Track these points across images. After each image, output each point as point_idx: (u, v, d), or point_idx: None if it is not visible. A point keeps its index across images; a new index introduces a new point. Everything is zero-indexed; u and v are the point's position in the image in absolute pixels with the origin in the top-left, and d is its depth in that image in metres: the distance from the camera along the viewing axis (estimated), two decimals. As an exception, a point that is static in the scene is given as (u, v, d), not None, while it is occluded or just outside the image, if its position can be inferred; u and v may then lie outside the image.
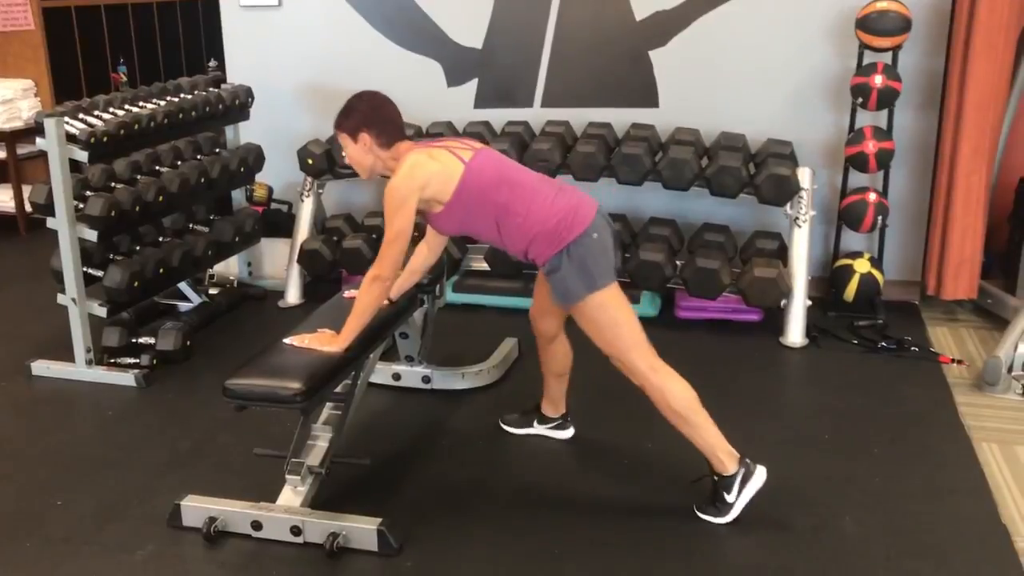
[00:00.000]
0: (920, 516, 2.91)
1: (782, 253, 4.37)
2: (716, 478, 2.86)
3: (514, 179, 2.85)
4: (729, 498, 2.83)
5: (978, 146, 4.23)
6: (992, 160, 4.34)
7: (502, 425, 3.46)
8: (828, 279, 4.61)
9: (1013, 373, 3.79)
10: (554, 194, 2.83)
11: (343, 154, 2.96)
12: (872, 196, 4.36)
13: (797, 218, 4.29)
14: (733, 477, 2.83)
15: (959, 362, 3.99)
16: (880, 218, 4.38)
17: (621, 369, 2.88)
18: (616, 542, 2.81)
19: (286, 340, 2.88)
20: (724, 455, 2.83)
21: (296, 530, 2.77)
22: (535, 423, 3.42)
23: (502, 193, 2.80)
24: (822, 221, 4.65)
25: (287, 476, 2.86)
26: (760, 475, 2.85)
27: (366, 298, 2.82)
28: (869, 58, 4.35)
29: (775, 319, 4.33)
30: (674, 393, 2.81)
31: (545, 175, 3.00)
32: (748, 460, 2.86)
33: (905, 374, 3.91)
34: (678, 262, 4.38)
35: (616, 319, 2.83)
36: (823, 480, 3.12)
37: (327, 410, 3.10)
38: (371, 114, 2.83)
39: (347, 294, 3.26)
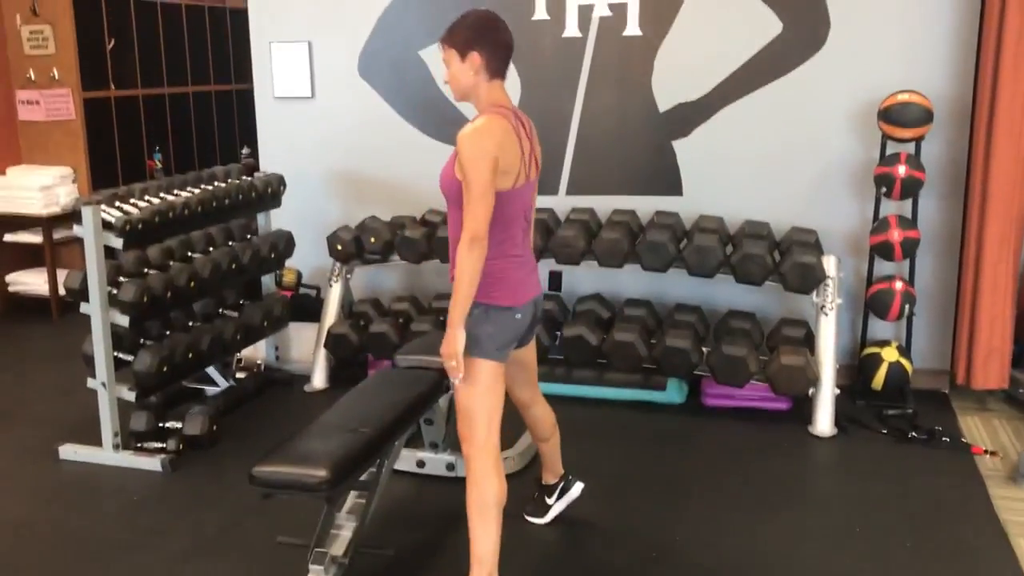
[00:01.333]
0: (957, 614, 2.84)
1: (809, 341, 4.36)
2: None
3: (519, 224, 2.79)
4: None
5: (1004, 235, 4.23)
6: (1019, 248, 4.34)
7: (528, 519, 3.43)
8: (856, 367, 4.58)
9: (1048, 465, 3.72)
10: (520, 262, 2.81)
11: (444, 77, 2.79)
12: (899, 284, 4.36)
13: (823, 306, 4.29)
14: None
15: (992, 453, 3.92)
16: (907, 306, 4.37)
17: (460, 434, 2.80)
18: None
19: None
20: (491, 572, 2.75)
21: (319, 621, 2.74)
22: (547, 499, 3.40)
23: (507, 228, 2.73)
24: (849, 309, 4.64)
25: (311, 566, 2.84)
26: None
27: (470, 263, 2.59)
28: (892, 148, 4.39)
29: (803, 407, 4.29)
30: (486, 484, 2.74)
31: (530, 237, 2.93)
32: None
33: (937, 465, 3.84)
34: (704, 349, 4.37)
35: (484, 387, 2.75)
36: (853, 573, 3.05)
37: (352, 498, 3.10)
38: (487, 35, 2.70)
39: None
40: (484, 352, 2.74)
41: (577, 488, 3.42)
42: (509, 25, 2.80)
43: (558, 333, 4.52)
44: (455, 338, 2.65)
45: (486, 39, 2.71)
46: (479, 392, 2.76)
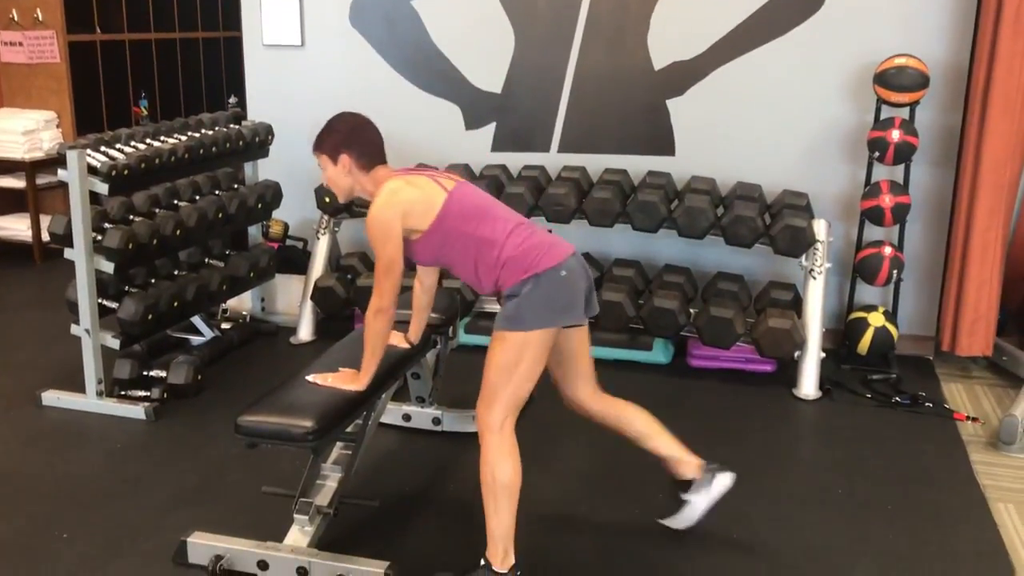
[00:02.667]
0: (935, 576, 2.87)
1: (796, 304, 4.36)
2: (483, 562, 2.69)
3: (494, 213, 2.77)
4: None
5: (995, 203, 4.23)
6: (1009, 217, 4.34)
7: (665, 524, 3.05)
8: (842, 331, 4.59)
9: (1029, 432, 3.75)
10: (530, 231, 2.75)
11: (323, 180, 2.89)
12: (888, 250, 4.36)
13: (812, 270, 4.29)
14: (492, 572, 2.66)
15: (974, 420, 3.95)
16: (895, 272, 4.37)
17: (477, 410, 2.70)
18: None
19: (308, 377, 2.86)
20: (505, 551, 2.67)
21: (302, 571, 2.74)
22: (684, 495, 3.00)
23: (483, 226, 2.71)
24: (837, 273, 4.64)
25: (295, 515, 2.83)
26: None
27: (374, 331, 2.76)
28: (886, 112, 4.37)
29: (788, 370, 4.31)
30: (503, 466, 2.64)
31: (524, 217, 2.87)
32: (519, 574, 2.69)
33: (919, 430, 3.87)
34: (692, 310, 4.37)
35: (523, 367, 2.65)
36: (836, 537, 3.08)
37: (337, 450, 3.09)
38: (351, 135, 2.79)
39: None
40: (532, 323, 2.64)
41: (725, 479, 2.98)
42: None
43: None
44: (355, 383, 2.80)
45: (353, 141, 2.79)
46: (519, 371, 2.65)
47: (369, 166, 2.80)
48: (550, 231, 2.88)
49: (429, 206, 2.71)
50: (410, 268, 2.84)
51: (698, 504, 2.97)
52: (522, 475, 2.67)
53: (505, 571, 2.67)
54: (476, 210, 2.75)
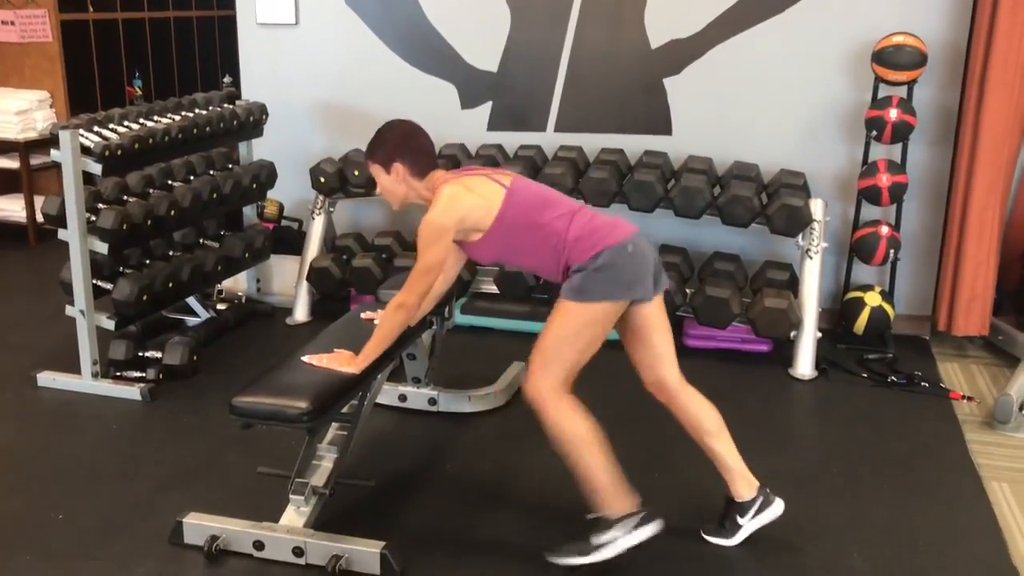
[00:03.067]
0: (929, 555, 2.88)
1: (793, 284, 4.36)
2: (591, 517, 2.70)
3: (555, 200, 2.78)
4: (600, 539, 2.68)
5: (992, 182, 4.22)
6: (1006, 197, 4.33)
7: (707, 538, 2.93)
8: (838, 311, 4.59)
9: (1024, 411, 3.76)
10: (594, 213, 2.76)
11: (376, 189, 2.87)
12: (884, 229, 4.35)
13: (808, 249, 4.28)
14: (611, 523, 2.67)
15: (969, 399, 3.96)
16: (892, 251, 4.37)
17: (527, 379, 2.71)
18: (622, 569, 2.77)
19: (304, 358, 2.86)
20: (614, 498, 2.67)
21: (298, 551, 2.75)
22: (738, 518, 2.89)
23: (545, 213, 2.71)
24: (833, 253, 4.63)
25: (291, 496, 2.84)
26: (650, 529, 2.69)
27: (390, 323, 2.80)
28: (884, 91, 4.35)
29: (784, 350, 4.31)
30: (571, 424, 2.65)
31: (583, 203, 2.90)
32: (645, 514, 2.70)
33: (915, 409, 3.88)
34: (688, 290, 4.37)
35: (584, 339, 2.67)
36: (832, 515, 3.09)
37: (333, 430, 3.09)
38: (403, 144, 2.78)
39: (365, 315, 3.23)
40: (597, 293, 2.64)
41: (778, 506, 2.89)
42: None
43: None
44: (351, 366, 2.81)
45: (405, 149, 2.77)
46: (576, 343, 2.66)
47: (423, 173, 2.79)
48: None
49: (489, 206, 2.70)
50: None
51: (749, 528, 2.88)
52: (594, 425, 2.67)
53: (622, 515, 2.67)
54: (537, 200, 2.76)
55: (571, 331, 2.68)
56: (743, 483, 2.88)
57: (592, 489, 2.69)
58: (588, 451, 2.65)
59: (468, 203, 2.69)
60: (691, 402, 2.88)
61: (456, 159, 4.68)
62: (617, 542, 2.68)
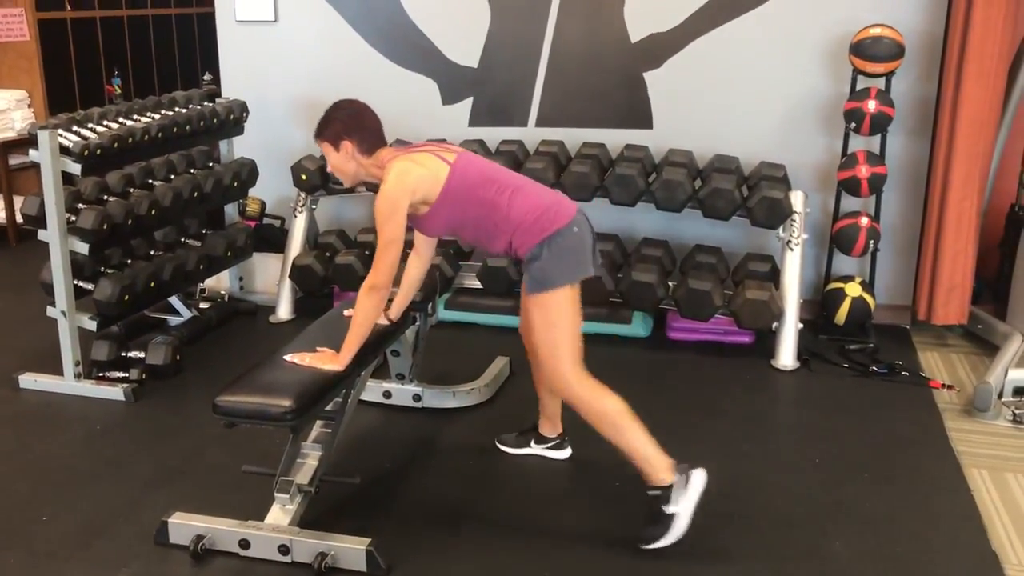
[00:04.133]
0: (911, 542, 2.91)
1: (774, 276, 4.38)
2: (653, 491, 2.80)
3: (498, 177, 2.90)
4: (670, 509, 2.77)
5: (970, 172, 4.26)
6: (984, 186, 4.37)
7: (498, 444, 3.45)
8: (819, 302, 4.62)
9: (1003, 399, 3.80)
10: (537, 191, 2.91)
11: (328, 167, 3.00)
12: (864, 220, 4.38)
13: (789, 241, 4.30)
14: (670, 488, 2.78)
15: (950, 387, 3.99)
16: (872, 242, 4.40)
17: (551, 378, 2.93)
18: (607, 565, 2.79)
19: (286, 357, 2.86)
20: (659, 466, 2.79)
21: (284, 549, 2.75)
22: (532, 443, 3.40)
23: (488, 189, 2.84)
24: (814, 244, 4.67)
25: (276, 494, 2.84)
26: (699, 478, 2.80)
27: (364, 309, 2.83)
28: (863, 83, 4.37)
29: (766, 342, 4.34)
30: (602, 403, 2.82)
31: (528, 179, 3.01)
32: (685, 466, 2.81)
33: (896, 398, 3.91)
34: (670, 283, 4.39)
35: (567, 320, 2.85)
36: (814, 504, 3.12)
37: (317, 428, 3.09)
38: (351, 122, 2.87)
39: (347, 312, 3.23)
40: (568, 277, 2.83)
41: (563, 454, 3.40)
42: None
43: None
44: (334, 363, 2.83)
45: (354, 127, 2.86)
46: (563, 324, 2.84)
47: (371, 150, 2.89)
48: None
49: (435, 180, 2.82)
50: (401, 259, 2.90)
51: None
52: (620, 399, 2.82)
53: (674, 477, 2.77)
54: (480, 176, 2.87)
55: (552, 319, 2.85)
56: (551, 426, 3.39)
57: (642, 460, 2.80)
58: (628, 424, 2.79)
59: (416, 175, 2.80)
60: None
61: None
62: (683, 504, 2.78)
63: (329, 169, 2.96)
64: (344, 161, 2.88)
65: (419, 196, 2.81)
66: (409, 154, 2.87)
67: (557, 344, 2.85)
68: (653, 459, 2.79)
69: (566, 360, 2.84)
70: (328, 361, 2.84)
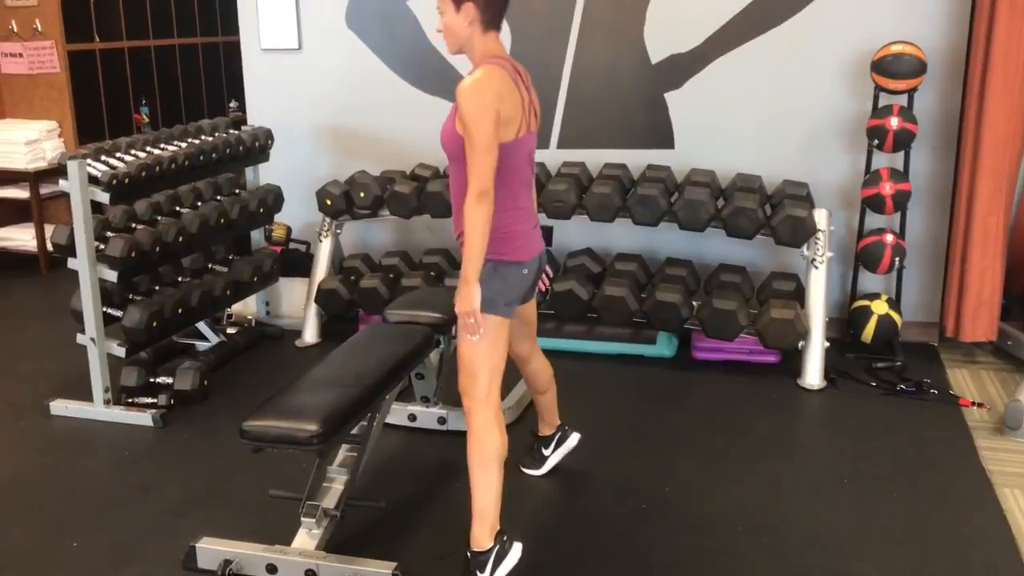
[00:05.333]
0: (941, 563, 2.87)
1: (799, 294, 4.36)
2: (470, 553, 2.72)
3: (527, 179, 2.83)
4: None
5: (995, 188, 4.22)
6: (1010, 201, 4.33)
7: (524, 471, 3.44)
8: (846, 320, 4.59)
9: (1034, 417, 3.75)
10: (525, 216, 2.82)
11: (437, 25, 2.74)
12: (889, 237, 4.36)
13: (814, 259, 4.28)
14: (488, 553, 2.70)
15: (979, 405, 3.95)
16: (897, 259, 4.37)
17: (460, 390, 2.81)
18: (637, 560, 2.78)
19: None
20: (487, 527, 2.71)
21: (311, 573, 2.76)
22: (543, 450, 3.43)
23: (511, 180, 2.70)
24: (839, 262, 4.64)
25: (302, 518, 2.85)
26: (515, 553, 2.75)
27: (476, 217, 2.56)
28: (885, 100, 4.36)
29: (792, 361, 4.31)
30: (488, 434, 2.73)
31: (533, 204, 2.94)
32: (506, 537, 2.75)
33: (925, 417, 3.87)
34: (695, 303, 4.38)
35: (490, 343, 2.74)
36: (843, 524, 3.09)
37: (343, 452, 3.11)
38: None
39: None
40: (491, 308, 2.70)
41: (574, 439, 3.44)
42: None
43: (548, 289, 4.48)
44: (471, 295, 2.60)
45: None
46: (484, 347, 2.74)
47: (488, 26, 2.70)
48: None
49: (510, 125, 2.64)
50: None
51: (553, 457, 3.43)
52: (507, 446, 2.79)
53: (492, 544, 2.71)
54: (522, 161, 2.76)
55: (479, 341, 2.72)
56: (548, 425, 3.42)
57: (479, 512, 2.72)
58: (497, 471, 2.73)
59: (509, 94, 2.64)
60: (538, 367, 3.30)
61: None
62: (496, 574, 2.71)
63: (438, 28, 2.73)
64: (460, 23, 2.67)
65: (503, 116, 2.60)
66: (514, 74, 2.70)
67: (476, 361, 2.75)
68: (488, 516, 2.71)
69: (483, 380, 2.75)
70: (462, 295, 2.62)
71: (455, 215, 2.76)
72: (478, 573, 2.70)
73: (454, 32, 2.72)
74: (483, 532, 2.72)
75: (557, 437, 3.43)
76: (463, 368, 2.79)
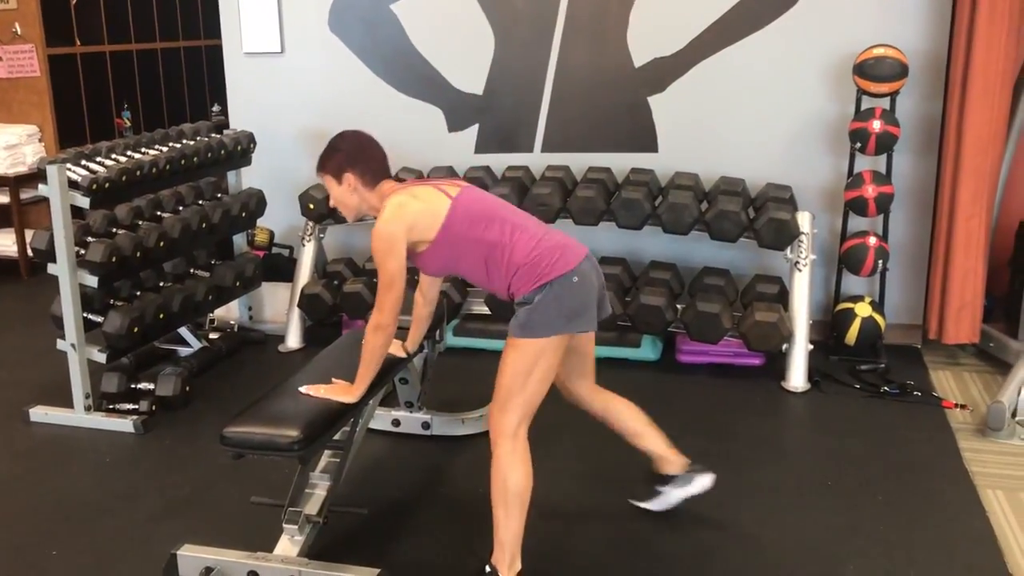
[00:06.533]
0: (925, 565, 2.88)
1: (783, 297, 4.37)
2: (488, 569, 2.69)
3: (502, 216, 2.74)
4: None
5: (977, 190, 4.24)
6: (991, 204, 4.35)
7: (635, 504, 3.16)
8: (829, 323, 4.60)
9: (1017, 418, 3.77)
10: (542, 233, 2.73)
11: (330, 202, 2.87)
12: (872, 240, 4.37)
13: (797, 262, 4.29)
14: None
15: (962, 407, 3.96)
16: (880, 262, 4.38)
17: (491, 415, 2.71)
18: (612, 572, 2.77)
19: (301, 388, 2.84)
20: (512, 557, 2.67)
21: (293, 580, 2.74)
22: (659, 487, 3.11)
23: (491, 229, 2.68)
24: (822, 265, 4.65)
25: (284, 525, 2.83)
26: None
27: (372, 347, 2.76)
28: (867, 103, 4.38)
29: (777, 363, 4.32)
30: (515, 472, 2.64)
31: (533, 216, 2.88)
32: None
33: (908, 419, 3.88)
34: (679, 306, 4.38)
35: (537, 373, 2.65)
36: (827, 527, 3.09)
37: (325, 458, 3.08)
38: (355, 153, 2.78)
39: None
40: (543, 331, 2.63)
41: (705, 479, 3.07)
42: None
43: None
44: (348, 395, 2.79)
45: (356, 158, 2.77)
46: (532, 377, 2.64)
47: (374, 183, 2.78)
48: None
49: (435, 216, 2.69)
50: (410, 286, 2.85)
51: (672, 496, 3.08)
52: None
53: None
54: (482, 214, 2.72)
55: (523, 367, 2.65)
56: (670, 465, 3.08)
57: (499, 542, 2.68)
58: (516, 507, 2.65)
59: (414, 210, 2.68)
60: (609, 407, 3.03)
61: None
62: None
63: (331, 203, 2.85)
64: (346, 194, 2.78)
65: (417, 233, 2.68)
66: (409, 188, 2.76)
67: (515, 394, 2.64)
68: (509, 550, 2.66)
69: (516, 414, 2.65)
70: (342, 393, 2.80)
71: (488, 287, 2.81)
72: None
73: (346, 203, 2.82)
74: (504, 560, 2.67)
75: (689, 474, 3.09)
76: (499, 397, 2.68)
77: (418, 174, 4.81)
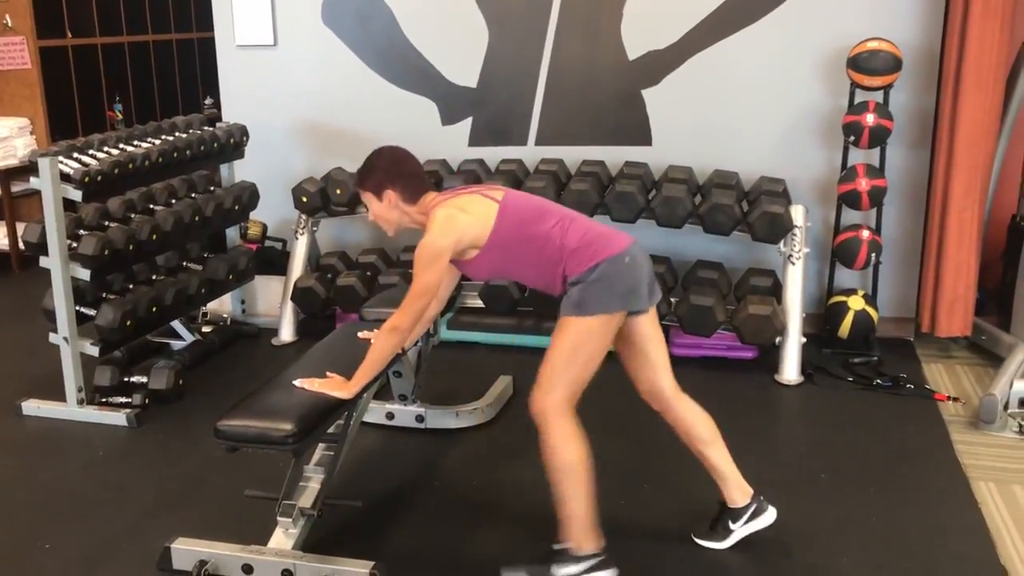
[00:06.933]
0: (918, 556, 2.89)
1: (776, 290, 4.37)
2: (560, 547, 2.69)
3: (551, 209, 2.76)
4: (558, 572, 2.68)
5: (970, 183, 4.25)
6: (984, 197, 4.36)
7: (698, 540, 2.97)
8: (822, 316, 4.61)
9: (1009, 411, 3.78)
10: (590, 223, 2.75)
11: (368, 214, 2.84)
12: (865, 233, 4.38)
13: (791, 255, 4.30)
14: (582, 559, 2.67)
15: (955, 400, 3.98)
16: (873, 255, 4.39)
17: (534, 395, 2.67)
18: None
19: (295, 382, 2.83)
20: (585, 532, 2.67)
21: (287, 573, 2.73)
22: (730, 523, 2.93)
23: (541, 223, 2.69)
24: (816, 258, 4.66)
25: (279, 518, 2.82)
26: (610, 573, 2.69)
27: (383, 347, 2.75)
28: (861, 96, 4.38)
29: (770, 356, 4.32)
30: (567, 447, 2.62)
31: (578, 212, 2.85)
32: (605, 556, 2.69)
33: (901, 412, 3.89)
34: (672, 299, 4.38)
35: (587, 352, 2.64)
36: (820, 519, 3.10)
37: (319, 451, 3.08)
38: (393, 170, 2.76)
39: (362, 335, 3.19)
40: (596, 307, 2.62)
41: (771, 514, 2.94)
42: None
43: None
44: (344, 390, 2.78)
45: (396, 175, 2.75)
46: (579, 356, 2.64)
47: (415, 198, 2.77)
48: None
49: (484, 223, 2.69)
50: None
51: (739, 534, 2.92)
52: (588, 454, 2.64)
53: (589, 553, 2.67)
54: (531, 212, 2.73)
55: (573, 345, 2.65)
56: (737, 490, 2.91)
57: (567, 518, 2.67)
58: (576, 480, 2.63)
59: (463, 223, 2.67)
60: (686, 411, 2.90)
61: (438, 175, 4.69)
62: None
63: (371, 218, 2.83)
64: (387, 210, 2.77)
65: (466, 242, 2.68)
66: (454, 199, 2.74)
67: (561, 372, 2.64)
68: (580, 523, 2.65)
69: (560, 394, 2.64)
70: (337, 388, 2.79)
71: (541, 284, 2.78)
72: (554, 567, 2.68)
73: (386, 219, 2.82)
74: (576, 536, 2.66)
75: (752, 509, 2.93)
76: (543, 377, 2.65)
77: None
